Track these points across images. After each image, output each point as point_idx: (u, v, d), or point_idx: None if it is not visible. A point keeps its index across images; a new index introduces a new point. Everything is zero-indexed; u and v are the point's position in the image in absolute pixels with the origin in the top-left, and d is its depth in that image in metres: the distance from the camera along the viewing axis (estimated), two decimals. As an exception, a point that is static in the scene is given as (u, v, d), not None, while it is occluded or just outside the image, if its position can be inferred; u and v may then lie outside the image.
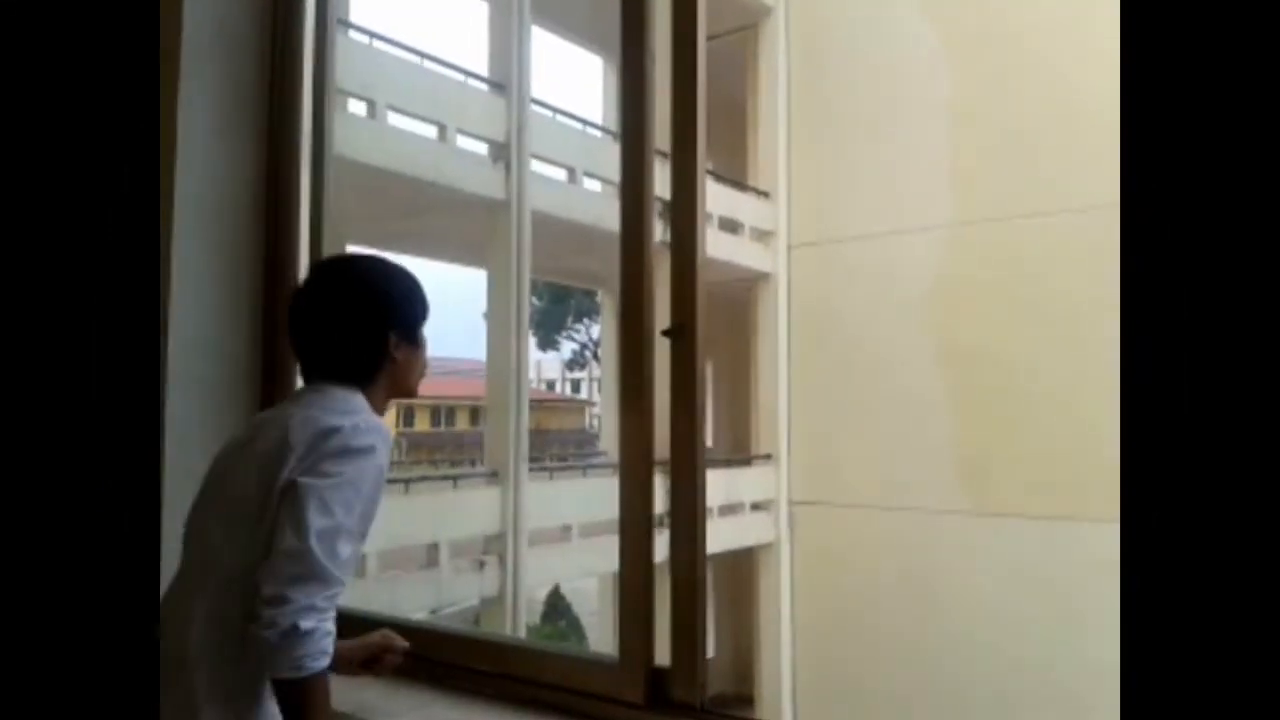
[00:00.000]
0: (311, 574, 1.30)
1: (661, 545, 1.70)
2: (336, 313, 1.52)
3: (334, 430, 1.37)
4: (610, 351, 15.46)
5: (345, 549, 1.34)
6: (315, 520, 1.31)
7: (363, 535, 1.41)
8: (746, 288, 12.41)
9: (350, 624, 2.19)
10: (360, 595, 7.94)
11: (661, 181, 1.76)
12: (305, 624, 1.28)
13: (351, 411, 1.43)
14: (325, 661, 1.31)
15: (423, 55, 9.76)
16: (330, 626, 1.33)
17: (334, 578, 1.32)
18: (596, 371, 29.73)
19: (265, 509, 1.36)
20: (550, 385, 34.08)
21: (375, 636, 1.67)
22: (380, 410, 1.53)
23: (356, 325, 1.51)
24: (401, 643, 1.65)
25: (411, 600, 8.78)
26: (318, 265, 1.62)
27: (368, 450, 1.39)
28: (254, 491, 1.38)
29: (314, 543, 1.30)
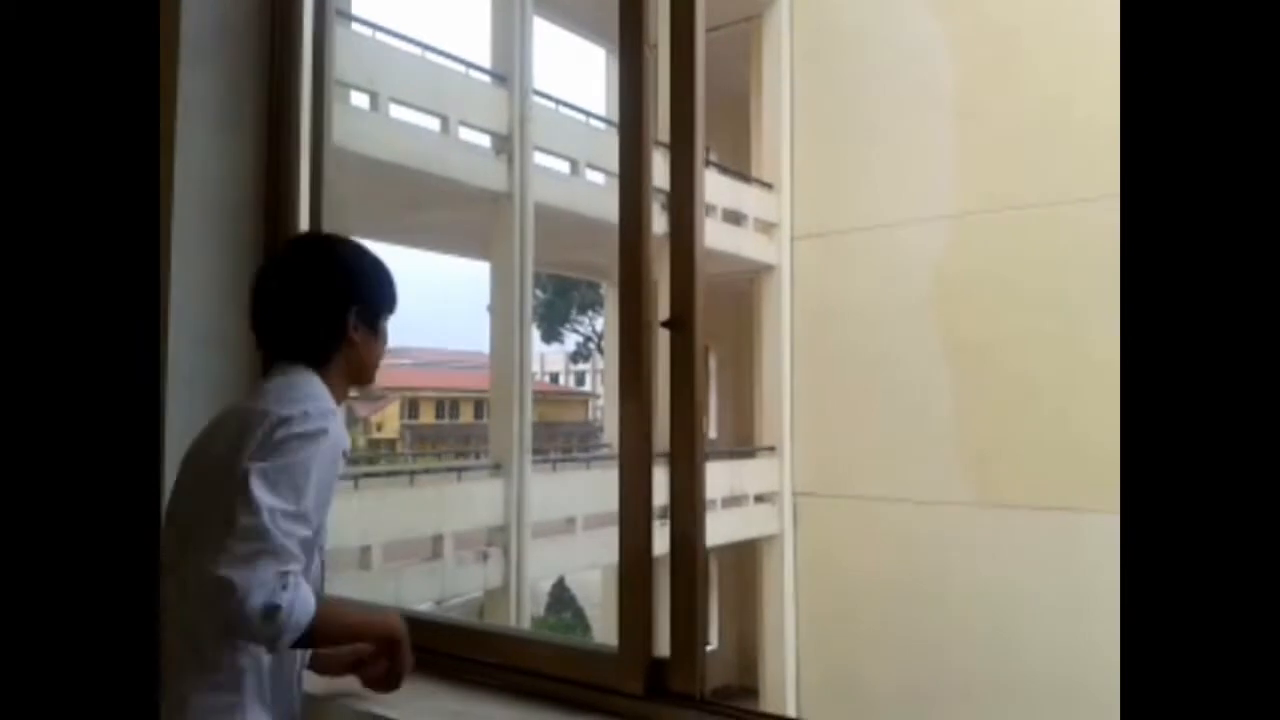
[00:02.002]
0: (269, 549, 1.27)
1: (661, 537, 1.71)
2: (297, 284, 1.51)
3: (284, 420, 1.36)
4: (614, 344, 15.47)
5: (297, 529, 1.31)
6: (265, 499, 1.29)
7: (319, 523, 1.39)
8: (750, 279, 12.41)
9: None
10: (366, 587, 7.97)
11: (662, 173, 1.76)
12: (277, 600, 1.26)
13: (304, 399, 1.41)
14: (305, 621, 1.30)
15: (425, 47, 9.75)
16: (302, 591, 1.30)
17: (290, 553, 1.29)
18: (600, 364, 29.74)
19: (220, 510, 1.32)
20: (554, 378, 34.11)
21: (369, 642, 1.64)
22: (339, 397, 1.51)
23: (316, 297, 1.50)
24: (408, 657, 1.63)
25: (416, 591, 8.82)
26: (286, 241, 1.61)
27: (316, 434, 1.36)
28: (208, 500, 1.36)
29: (266, 519, 1.28)
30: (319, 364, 1.49)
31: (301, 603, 1.29)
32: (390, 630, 1.61)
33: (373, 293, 1.55)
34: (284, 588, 1.27)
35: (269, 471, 1.32)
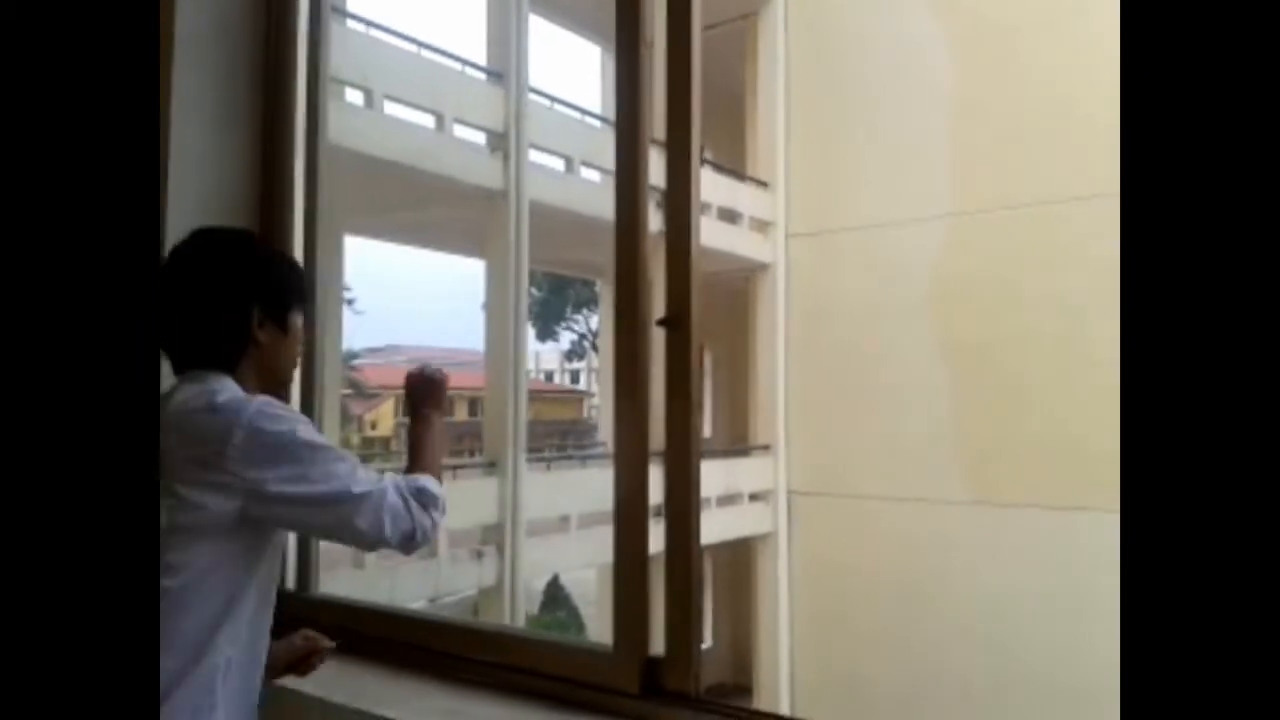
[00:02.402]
0: (353, 493, 1.34)
1: (657, 535, 1.70)
2: (193, 288, 1.42)
3: (227, 429, 1.30)
4: (609, 342, 15.50)
5: (340, 464, 1.35)
6: (319, 488, 1.33)
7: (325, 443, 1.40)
8: (745, 278, 12.41)
9: (350, 614, 2.19)
10: (360, 585, 7.96)
11: (658, 171, 1.76)
12: (397, 509, 1.36)
13: (215, 392, 1.36)
14: (432, 486, 1.42)
15: (420, 44, 9.73)
16: (398, 482, 1.39)
17: (358, 477, 1.35)
18: (595, 362, 29.75)
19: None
20: (548, 376, 34.10)
21: (298, 640, 1.60)
22: None
23: (218, 298, 1.42)
24: (327, 643, 1.60)
25: (410, 589, 8.80)
26: (182, 240, 1.50)
27: (284, 417, 1.35)
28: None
29: (341, 491, 1.34)
30: (226, 370, 1.41)
31: (420, 482, 1.42)
32: (295, 653, 1.60)
33: (275, 290, 1.47)
34: (404, 493, 1.38)
35: (304, 480, 1.32)
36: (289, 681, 1.59)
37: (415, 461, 1.51)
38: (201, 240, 1.49)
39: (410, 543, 1.38)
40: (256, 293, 1.44)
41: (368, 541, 1.38)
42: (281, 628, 1.51)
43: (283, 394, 1.73)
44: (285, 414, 1.37)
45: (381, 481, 1.38)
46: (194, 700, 1.32)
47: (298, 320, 1.50)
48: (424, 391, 1.60)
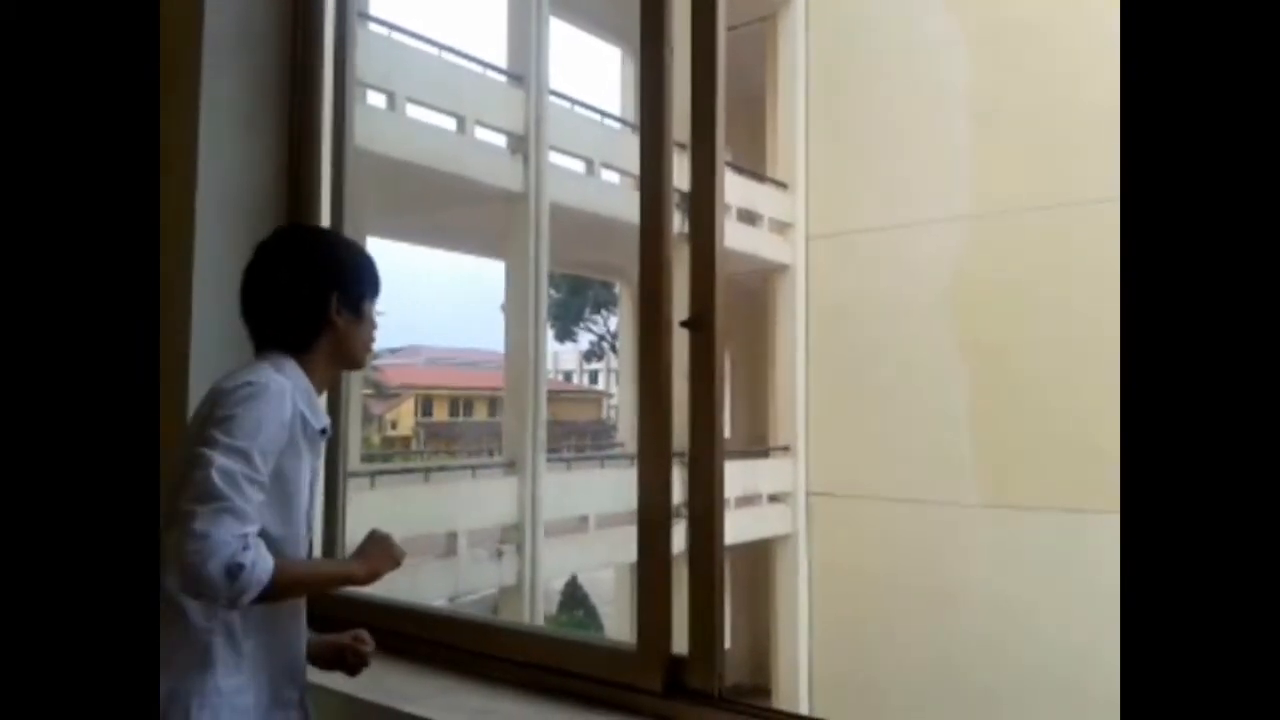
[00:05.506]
0: (229, 509, 1.29)
1: (679, 535, 1.72)
2: (280, 272, 1.55)
3: (237, 386, 1.40)
4: (627, 343, 15.49)
5: (255, 492, 1.34)
6: (220, 460, 1.31)
7: (294, 498, 1.43)
8: (764, 279, 12.39)
9: (377, 611, 2.22)
10: (381, 582, 8.00)
11: (680, 173, 1.77)
12: (240, 559, 1.28)
13: (248, 372, 1.44)
14: (265, 577, 1.31)
15: (441, 47, 9.79)
16: (261, 550, 1.32)
17: (249, 516, 1.31)
18: (614, 363, 29.72)
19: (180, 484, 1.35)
20: (567, 376, 34.10)
21: (347, 637, 1.64)
22: (323, 383, 1.56)
23: (298, 283, 1.53)
24: (368, 646, 1.64)
25: (431, 588, 8.84)
26: (269, 235, 1.63)
27: (258, 394, 1.39)
28: (177, 474, 1.36)
29: (221, 482, 1.30)
30: (302, 350, 1.52)
31: (262, 560, 1.32)
32: (341, 650, 1.62)
33: (353, 277, 1.58)
34: (245, 548, 1.29)
35: (218, 435, 1.34)
36: (334, 680, 1.63)
37: (306, 562, 1.54)
38: (285, 233, 1.64)
39: (195, 584, 1.29)
40: (335, 279, 1.55)
41: (189, 530, 1.28)
42: (319, 625, 1.55)
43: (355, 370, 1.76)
44: (263, 411, 1.38)
45: (246, 538, 1.30)
46: (197, 658, 1.39)
47: (370, 308, 1.61)
48: (375, 554, 1.56)
